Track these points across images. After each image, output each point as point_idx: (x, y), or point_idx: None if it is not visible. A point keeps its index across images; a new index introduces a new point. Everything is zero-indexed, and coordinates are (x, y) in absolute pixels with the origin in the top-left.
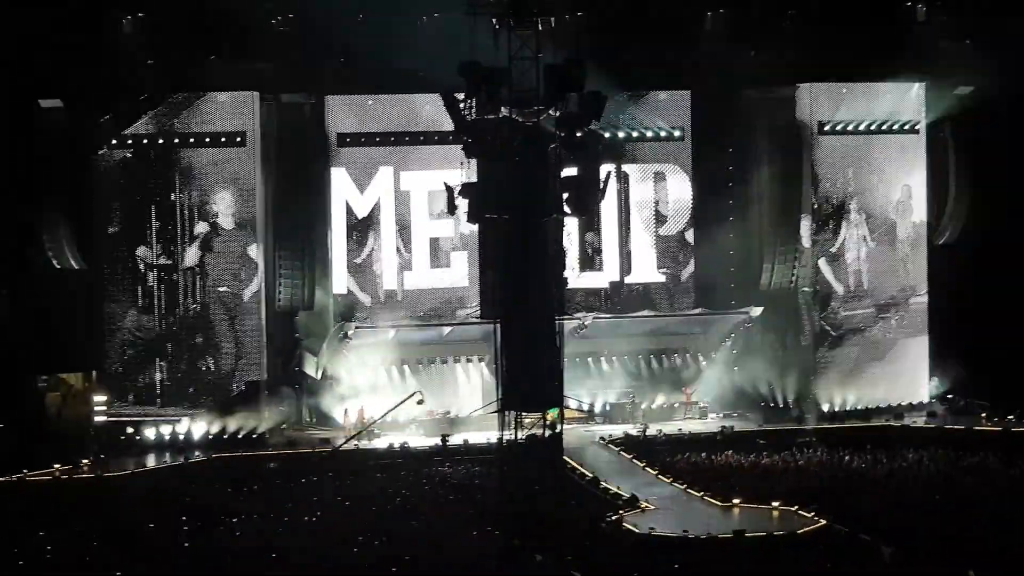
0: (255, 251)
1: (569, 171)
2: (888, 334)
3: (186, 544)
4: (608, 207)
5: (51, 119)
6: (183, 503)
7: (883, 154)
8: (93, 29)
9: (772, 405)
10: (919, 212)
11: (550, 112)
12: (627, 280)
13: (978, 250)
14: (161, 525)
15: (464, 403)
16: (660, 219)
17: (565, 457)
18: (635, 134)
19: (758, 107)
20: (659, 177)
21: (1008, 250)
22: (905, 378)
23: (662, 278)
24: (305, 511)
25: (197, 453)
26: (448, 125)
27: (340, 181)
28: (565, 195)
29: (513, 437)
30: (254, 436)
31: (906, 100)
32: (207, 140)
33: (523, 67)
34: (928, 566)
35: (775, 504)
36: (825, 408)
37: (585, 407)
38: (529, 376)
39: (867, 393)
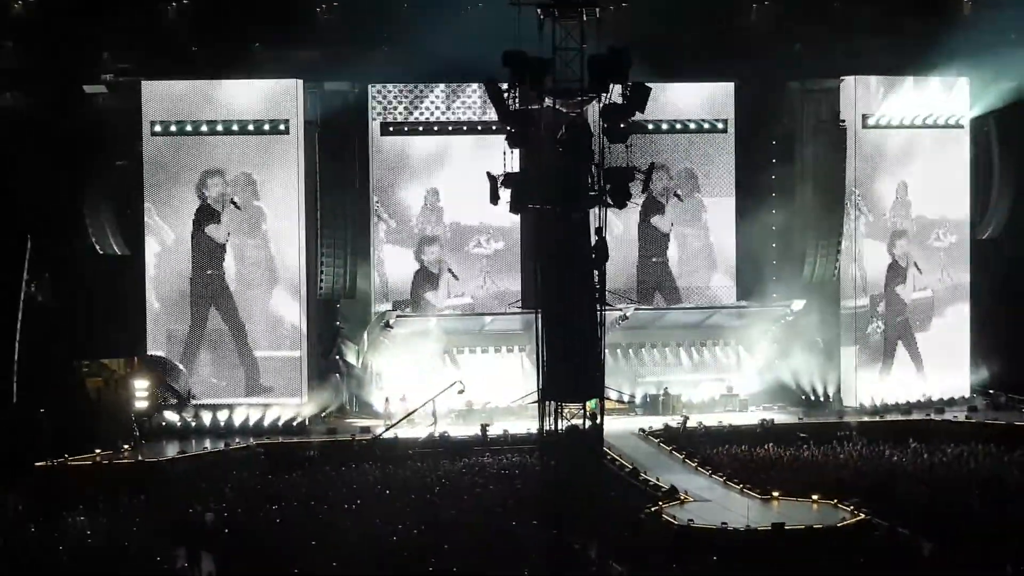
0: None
1: (611, 162)
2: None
3: (226, 530)
4: (650, 198)
5: (95, 105)
6: (223, 489)
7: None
8: (138, 16)
9: (813, 398)
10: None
11: (594, 103)
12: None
13: (1021, 243)
14: (201, 511)
15: (505, 393)
16: (702, 210)
17: (605, 448)
18: (678, 126)
19: (802, 99)
20: (702, 169)
21: None
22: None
23: (704, 270)
24: (345, 499)
25: (238, 440)
26: (492, 114)
27: (382, 170)
28: (608, 186)
29: (553, 427)
30: (295, 424)
31: (950, 94)
32: (251, 128)
33: (567, 57)
34: (967, 562)
35: (815, 497)
36: (866, 402)
37: (626, 398)
38: (570, 366)
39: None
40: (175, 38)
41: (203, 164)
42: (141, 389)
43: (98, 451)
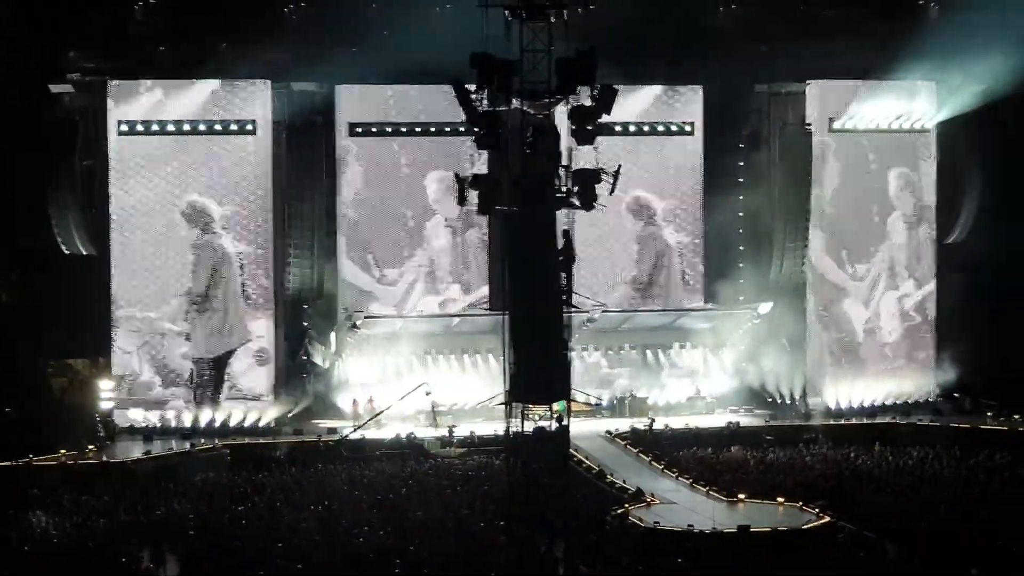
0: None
1: (579, 164)
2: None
3: (191, 532)
4: (618, 201)
5: (61, 104)
6: (189, 490)
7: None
8: (105, 15)
9: (779, 401)
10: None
11: (562, 105)
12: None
13: (987, 248)
14: (167, 512)
15: (471, 395)
16: (672, 212)
17: (572, 450)
18: (647, 128)
19: (769, 103)
20: (670, 171)
21: (1017, 248)
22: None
23: (674, 274)
24: (311, 500)
25: (203, 440)
26: (460, 116)
27: (350, 170)
28: (575, 188)
29: (520, 429)
30: (260, 424)
31: (917, 98)
32: (217, 127)
33: (535, 59)
34: (932, 565)
35: (780, 500)
36: (832, 405)
37: (592, 400)
38: (536, 368)
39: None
40: (142, 37)
41: (171, 163)
42: (106, 389)
43: (63, 451)
